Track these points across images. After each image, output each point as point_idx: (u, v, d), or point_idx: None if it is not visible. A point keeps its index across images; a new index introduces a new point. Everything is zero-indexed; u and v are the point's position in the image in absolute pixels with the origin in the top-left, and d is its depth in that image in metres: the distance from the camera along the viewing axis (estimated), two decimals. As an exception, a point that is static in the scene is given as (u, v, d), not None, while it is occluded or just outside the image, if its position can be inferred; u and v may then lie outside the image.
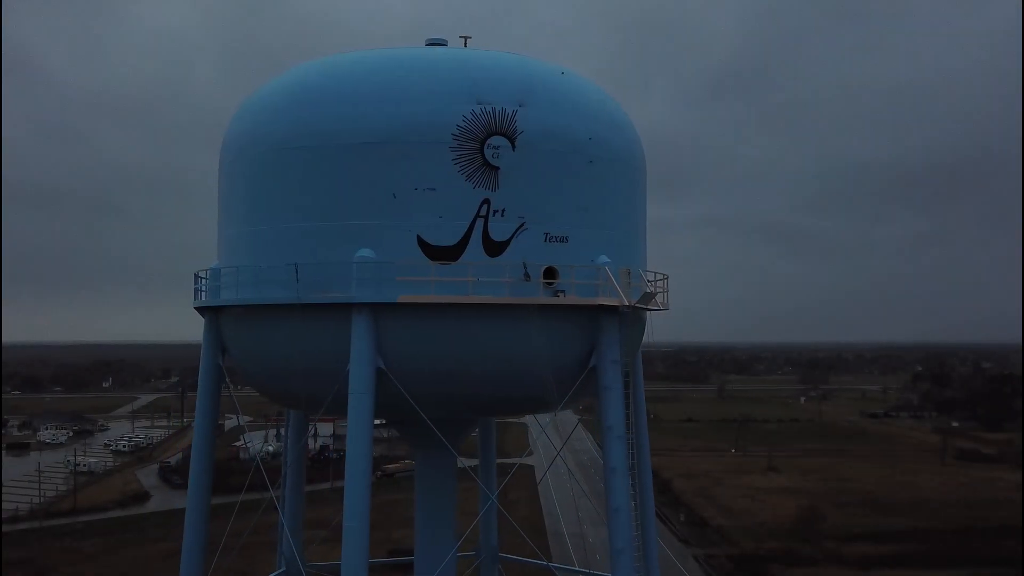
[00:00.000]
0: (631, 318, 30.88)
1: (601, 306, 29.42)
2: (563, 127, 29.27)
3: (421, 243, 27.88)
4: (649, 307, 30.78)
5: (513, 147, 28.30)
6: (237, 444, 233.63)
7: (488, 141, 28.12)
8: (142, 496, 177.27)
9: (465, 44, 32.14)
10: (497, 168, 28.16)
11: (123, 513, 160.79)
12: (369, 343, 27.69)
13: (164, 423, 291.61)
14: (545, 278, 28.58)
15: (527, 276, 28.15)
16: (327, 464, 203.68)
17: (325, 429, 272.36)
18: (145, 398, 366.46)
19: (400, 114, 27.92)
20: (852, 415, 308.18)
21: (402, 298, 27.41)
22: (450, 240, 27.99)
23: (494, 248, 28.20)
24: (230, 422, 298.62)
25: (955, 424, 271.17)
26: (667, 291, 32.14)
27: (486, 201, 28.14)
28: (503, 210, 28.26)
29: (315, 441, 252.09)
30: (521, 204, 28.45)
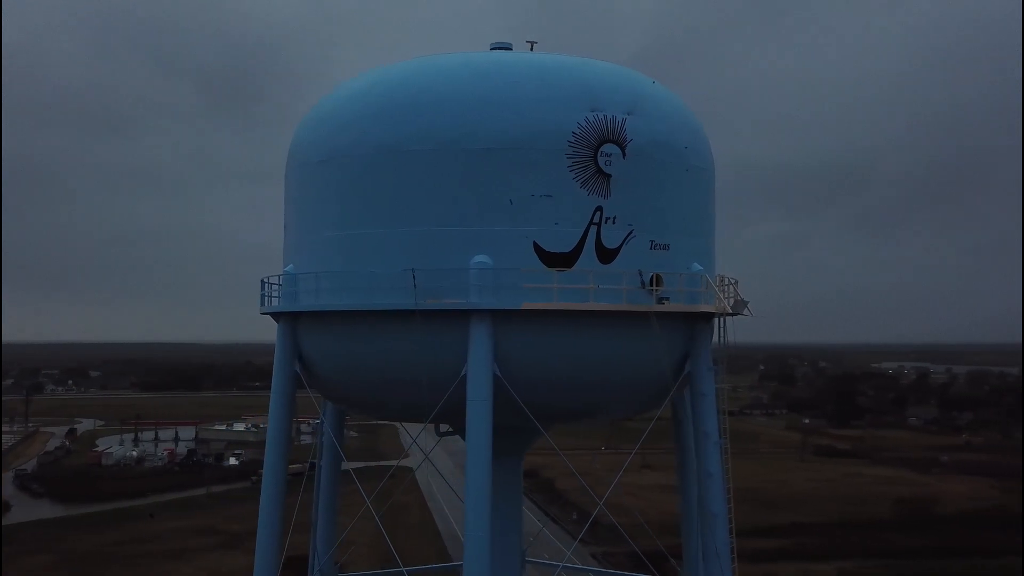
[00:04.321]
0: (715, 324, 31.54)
1: (698, 313, 29.99)
2: (665, 136, 29.69)
3: (537, 250, 27.77)
4: (742, 313, 31.47)
5: (624, 155, 28.53)
6: (98, 449, 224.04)
7: (601, 149, 28.27)
8: (2, 506, 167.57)
9: (532, 48, 32.15)
10: (609, 176, 28.33)
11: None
12: (488, 350, 27.40)
13: (6, 428, 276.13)
14: (652, 286, 28.90)
15: (643, 284, 28.39)
16: (200, 469, 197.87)
17: (187, 433, 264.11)
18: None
19: (520, 120, 27.75)
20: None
21: (526, 305, 27.23)
22: (565, 247, 27.99)
23: (606, 255, 28.35)
24: (82, 426, 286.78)
25: (806, 421, 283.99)
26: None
27: (599, 208, 28.27)
28: (614, 217, 28.44)
29: (176, 444, 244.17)
30: (630, 212, 28.69)
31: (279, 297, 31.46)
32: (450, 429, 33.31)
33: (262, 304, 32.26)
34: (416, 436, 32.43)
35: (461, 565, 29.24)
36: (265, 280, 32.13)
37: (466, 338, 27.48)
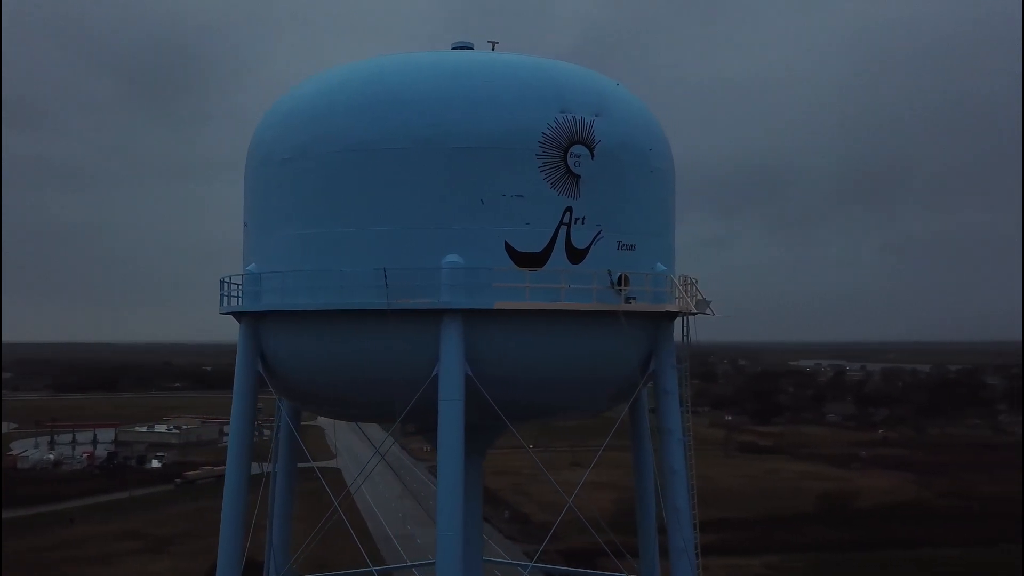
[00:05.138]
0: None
1: (662, 312, 30.39)
2: (631, 137, 30.04)
3: (509, 249, 27.86)
4: (705, 313, 31.90)
5: (592, 156, 28.77)
6: (12, 453, 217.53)
7: (571, 150, 28.48)
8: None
9: (493, 48, 32.25)
10: (579, 176, 28.55)
11: None
12: (460, 350, 27.40)
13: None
14: (619, 285, 29.20)
15: (612, 284, 28.66)
16: (122, 472, 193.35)
17: (106, 435, 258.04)
18: None
19: (492, 120, 27.81)
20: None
21: (499, 304, 27.29)
22: (536, 247, 28.15)
23: (576, 255, 28.58)
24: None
25: (728, 418, 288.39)
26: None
27: (568, 209, 28.48)
28: (583, 218, 28.68)
29: (95, 447, 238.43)
30: (599, 212, 28.97)
31: (240, 297, 30.99)
32: (413, 429, 33.19)
33: (222, 304, 31.77)
34: (384, 439, 32.20)
35: (426, 563, 29.24)
36: (225, 280, 31.64)
37: (438, 338, 27.45)
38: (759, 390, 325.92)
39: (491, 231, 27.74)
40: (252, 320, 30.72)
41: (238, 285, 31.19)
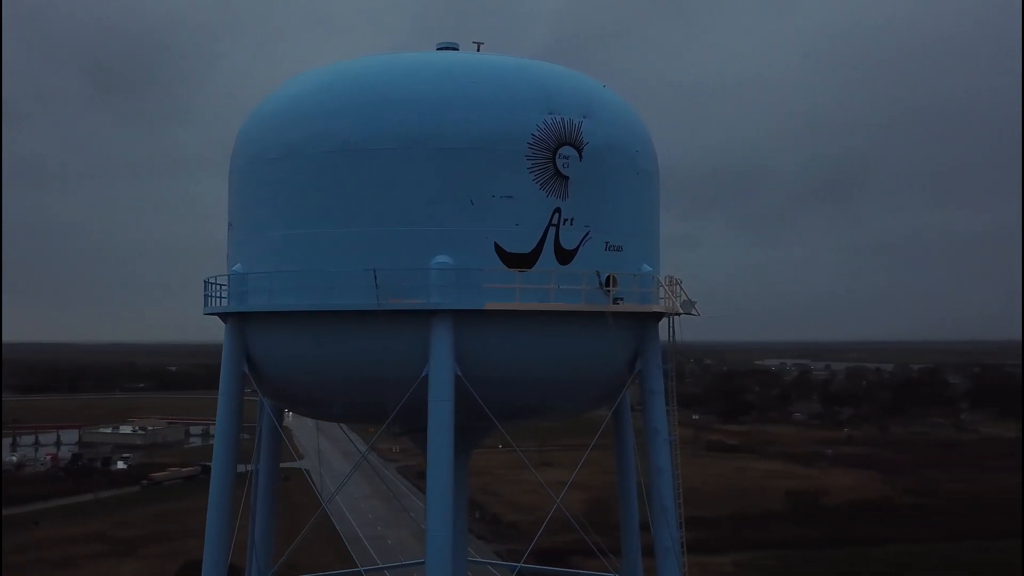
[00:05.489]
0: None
1: (648, 313, 30.60)
2: (618, 139, 30.20)
3: (498, 250, 27.92)
4: (691, 313, 32.15)
5: (580, 157, 28.90)
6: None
7: (559, 151, 28.59)
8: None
9: (478, 49, 32.33)
10: (567, 178, 28.67)
11: None
12: (450, 350, 27.42)
13: None
14: (607, 286, 29.38)
15: (600, 285, 28.83)
16: (87, 474, 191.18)
17: (69, 436, 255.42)
18: None
19: (482, 121, 27.85)
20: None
21: (489, 305, 27.34)
22: (525, 248, 28.23)
23: (564, 256, 28.69)
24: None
25: (695, 417, 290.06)
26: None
27: (557, 210, 28.59)
28: (572, 219, 28.79)
29: (58, 449, 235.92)
30: (587, 213, 29.09)
31: (226, 297, 30.82)
32: (398, 430, 33.12)
33: (206, 304, 31.58)
34: (374, 439, 32.14)
35: (415, 563, 29.22)
36: (210, 280, 31.45)
37: (427, 338, 27.44)
38: (726, 389, 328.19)
39: (481, 232, 27.78)
40: (238, 321, 30.55)
41: (223, 286, 31.01)
